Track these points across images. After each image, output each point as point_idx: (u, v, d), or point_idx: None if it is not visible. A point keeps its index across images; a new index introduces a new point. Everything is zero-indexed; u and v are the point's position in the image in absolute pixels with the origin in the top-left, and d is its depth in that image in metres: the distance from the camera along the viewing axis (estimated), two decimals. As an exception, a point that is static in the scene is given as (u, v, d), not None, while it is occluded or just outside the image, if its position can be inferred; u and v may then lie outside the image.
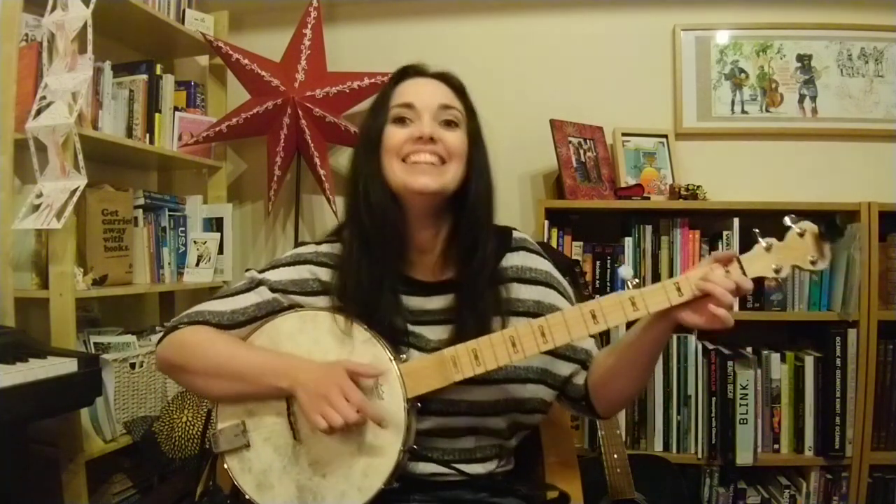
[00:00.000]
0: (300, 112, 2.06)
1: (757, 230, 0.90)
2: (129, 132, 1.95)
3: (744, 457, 1.85)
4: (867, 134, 2.10)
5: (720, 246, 1.92)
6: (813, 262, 0.88)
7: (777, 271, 0.88)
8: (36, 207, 1.59)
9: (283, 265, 1.08)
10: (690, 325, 0.89)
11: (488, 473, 1.04)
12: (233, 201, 2.34)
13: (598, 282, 1.99)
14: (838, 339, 1.84)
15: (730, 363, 1.87)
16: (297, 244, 1.68)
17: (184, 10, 2.11)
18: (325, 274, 1.06)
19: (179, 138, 2.10)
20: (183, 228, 2.15)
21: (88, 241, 1.74)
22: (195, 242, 2.16)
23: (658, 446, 1.92)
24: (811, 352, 1.90)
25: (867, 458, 1.83)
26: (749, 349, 1.93)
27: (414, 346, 1.01)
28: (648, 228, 1.99)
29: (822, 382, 1.87)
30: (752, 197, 1.95)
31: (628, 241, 1.98)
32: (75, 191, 1.57)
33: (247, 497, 0.97)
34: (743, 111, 2.15)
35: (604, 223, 2.14)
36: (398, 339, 1.00)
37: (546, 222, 1.95)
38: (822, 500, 1.88)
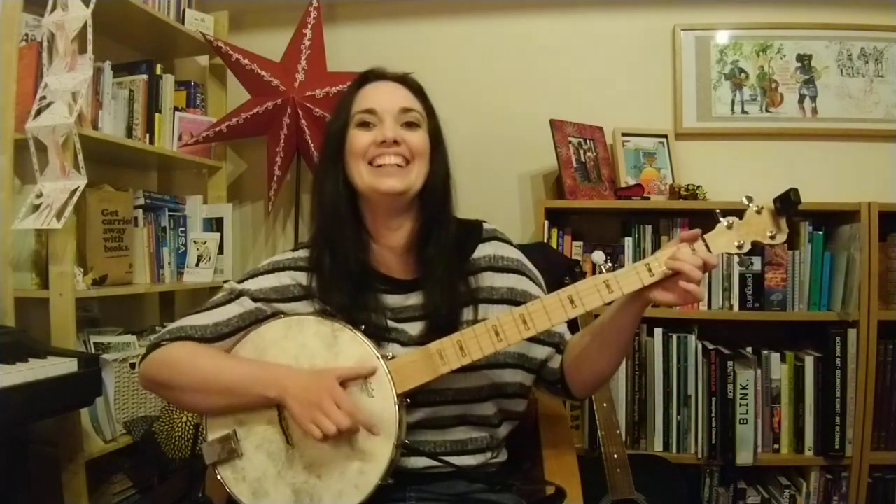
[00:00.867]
0: (300, 112, 2.06)
1: (718, 210, 0.97)
2: (129, 132, 1.94)
3: (744, 457, 1.85)
4: (867, 134, 2.10)
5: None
6: (772, 237, 0.94)
7: (739, 247, 0.94)
8: (36, 207, 1.59)
9: (262, 273, 1.09)
10: (663, 303, 0.94)
11: (481, 465, 1.06)
12: (233, 201, 2.34)
13: (598, 282, 1.98)
14: (838, 339, 1.84)
15: (730, 363, 1.87)
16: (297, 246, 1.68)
17: (184, 10, 2.11)
18: (305, 278, 1.07)
19: (179, 138, 2.10)
20: (183, 228, 2.15)
21: (88, 241, 1.74)
22: (195, 242, 2.16)
23: (658, 446, 1.92)
24: (811, 352, 1.90)
25: (867, 458, 1.83)
26: (749, 349, 1.93)
27: (396, 341, 1.03)
28: (648, 228, 1.99)
29: (822, 382, 1.87)
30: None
31: (628, 241, 1.98)
32: (75, 191, 1.57)
33: None
34: (743, 111, 2.15)
35: (604, 223, 2.14)
36: (380, 336, 1.02)
37: (546, 222, 1.95)
38: (822, 500, 1.88)
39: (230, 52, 2.08)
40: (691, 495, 1.91)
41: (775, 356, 1.90)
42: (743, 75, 2.15)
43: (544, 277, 1.17)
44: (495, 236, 1.14)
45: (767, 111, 2.15)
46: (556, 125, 2.06)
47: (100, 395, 1.54)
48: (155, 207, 2.05)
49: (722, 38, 2.16)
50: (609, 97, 2.21)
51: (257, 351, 1.02)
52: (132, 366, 1.79)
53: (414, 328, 1.04)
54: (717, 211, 0.97)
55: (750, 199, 0.96)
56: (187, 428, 1.71)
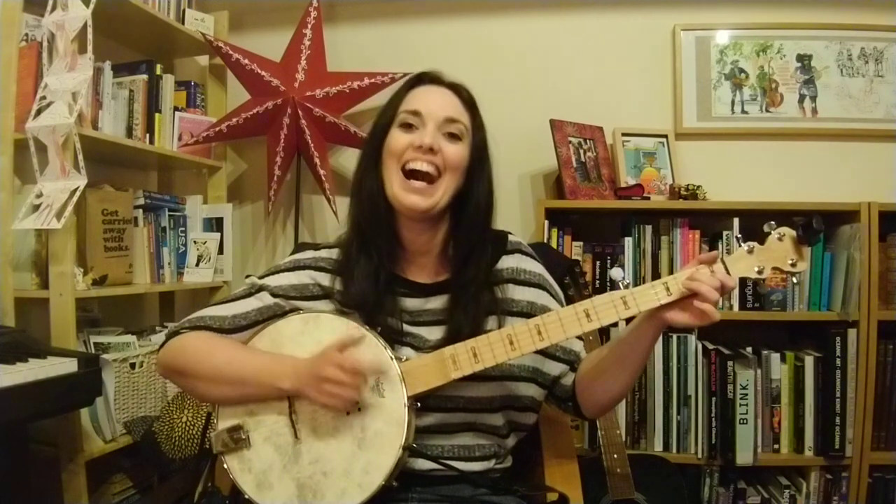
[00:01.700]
0: (300, 112, 2.06)
1: (739, 236, 0.97)
2: (129, 132, 1.94)
3: (744, 457, 1.85)
4: (867, 134, 2.10)
5: (720, 246, 1.92)
6: (793, 265, 0.94)
7: (759, 272, 0.94)
8: (36, 207, 1.59)
9: (283, 270, 1.10)
10: (678, 323, 0.93)
11: (485, 471, 1.06)
12: (233, 201, 2.34)
13: (597, 282, 1.99)
14: (838, 339, 1.84)
15: (730, 363, 1.87)
16: (297, 246, 1.69)
17: (184, 10, 2.11)
18: (325, 279, 1.08)
19: (179, 138, 2.10)
20: (183, 228, 2.15)
21: (88, 241, 1.74)
22: (195, 242, 2.16)
23: (658, 446, 1.92)
24: (811, 352, 1.90)
25: (867, 458, 1.82)
26: (749, 349, 1.93)
27: (411, 345, 1.03)
28: (648, 228, 1.99)
29: (822, 382, 1.87)
30: (752, 197, 1.94)
31: (628, 241, 1.98)
32: (75, 191, 1.57)
33: (246, 497, 0.98)
34: (743, 111, 2.15)
35: (604, 223, 2.14)
36: (396, 339, 1.02)
37: (546, 222, 1.95)
38: (822, 500, 1.88)
39: (230, 52, 2.08)
40: (691, 495, 1.90)
41: (775, 356, 1.90)
42: (743, 75, 2.15)
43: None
44: (519, 249, 1.14)
45: (767, 111, 2.15)
46: (556, 125, 2.06)
47: (100, 395, 1.54)
48: (155, 207, 2.05)
49: (722, 38, 2.16)
50: (609, 97, 2.21)
51: (274, 345, 1.04)
52: (132, 366, 1.79)
53: (430, 332, 1.04)
54: (738, 237, 0.97)
55: (772, 226, 0.95)
56: (187, 428, 1.71)
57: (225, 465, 1.00)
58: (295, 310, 1.06)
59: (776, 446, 1.90)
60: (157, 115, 2.03)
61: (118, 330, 1.93)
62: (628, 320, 0.98)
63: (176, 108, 2.12)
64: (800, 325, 2.00)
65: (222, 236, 2.19)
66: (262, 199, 2.39)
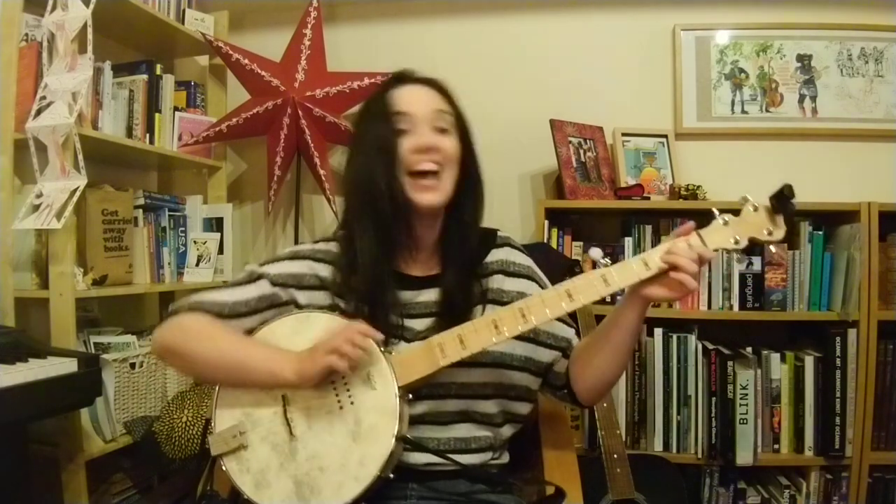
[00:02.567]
0: (300, 112, 2.06)
1: (715, 209, 0.98)
2: (129, 132, 1.95)
3: (744, 457, 1.85)
4: (867, 134, 2.10)
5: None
6: (769, 233, 0.96)
7: (736, 242, 0.96)
8: (36, 207, 1.59)
9: (283, 259, 1.11)
10: (660, 298, 0.95)
11: (483, 464, 1.06)
12: (233, 201, 2.34)
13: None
14: (838, 339, 1.84)
15: (730, 363, 1.87)
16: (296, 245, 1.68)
17: (184, 10, 2.11)
18: (323, 270, 1.09)
19: (179, 138, 2.10)
20: (183, 228, 2.15)
21: (88, 241, 1.74)
22: (195, 242, 2.16)
23: (658, 446, 1.92)
24: (811, 352, 1.90)
25: (867, 458, 1.82)
26: (749, 349, 1.93)
27: (403, 338, 1.04)
28: (648, 228, 1.99)
29: (822, 382, 1.87)
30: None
31: (628, 241, 1.98)
32: (75, 191, 1.57)
33: (245, 497, 0.98)
34: (743, 111, 2.15)
35: (604, 223, 2.14)
36: (390, 332, 1.03)
37: (546, 222, 1.95)
38: (822, 500, 1.88)
39: (230, 52, 2.08)
40: (691, 495, 1.90)
41: (775, 356, 1.90)
42: (743, 75, 2.15)
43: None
44: (508, 243, 1.17)
45: (767, 111, 2.15)
46: (556, 125, 2.06)
47: (100, 395, 1.54)
48: (155, 207, 2.05)
49: (722, 38, 2.16)
50: (609, 97, 2.21)
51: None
52: (132, 366, 1.79)
53: (421, 324, 1.05)
54: (714, 209, 0.99)
55: (746, 198, 0.98)
56: (187, 428, 1.71)
57: (224, 467, 1.00)
58: (291, 302, 1.07)
59: (776, 446, 1.90)
60: (157, 115, 2.03)
61: (118, 330, 1.93)
62: (613, 300, 0.99)
63: (176, 108, 2.12)
64: (800, 325, 2.00)
65: (222, 236, 2.19)
66: (262, 199, 2.39)
